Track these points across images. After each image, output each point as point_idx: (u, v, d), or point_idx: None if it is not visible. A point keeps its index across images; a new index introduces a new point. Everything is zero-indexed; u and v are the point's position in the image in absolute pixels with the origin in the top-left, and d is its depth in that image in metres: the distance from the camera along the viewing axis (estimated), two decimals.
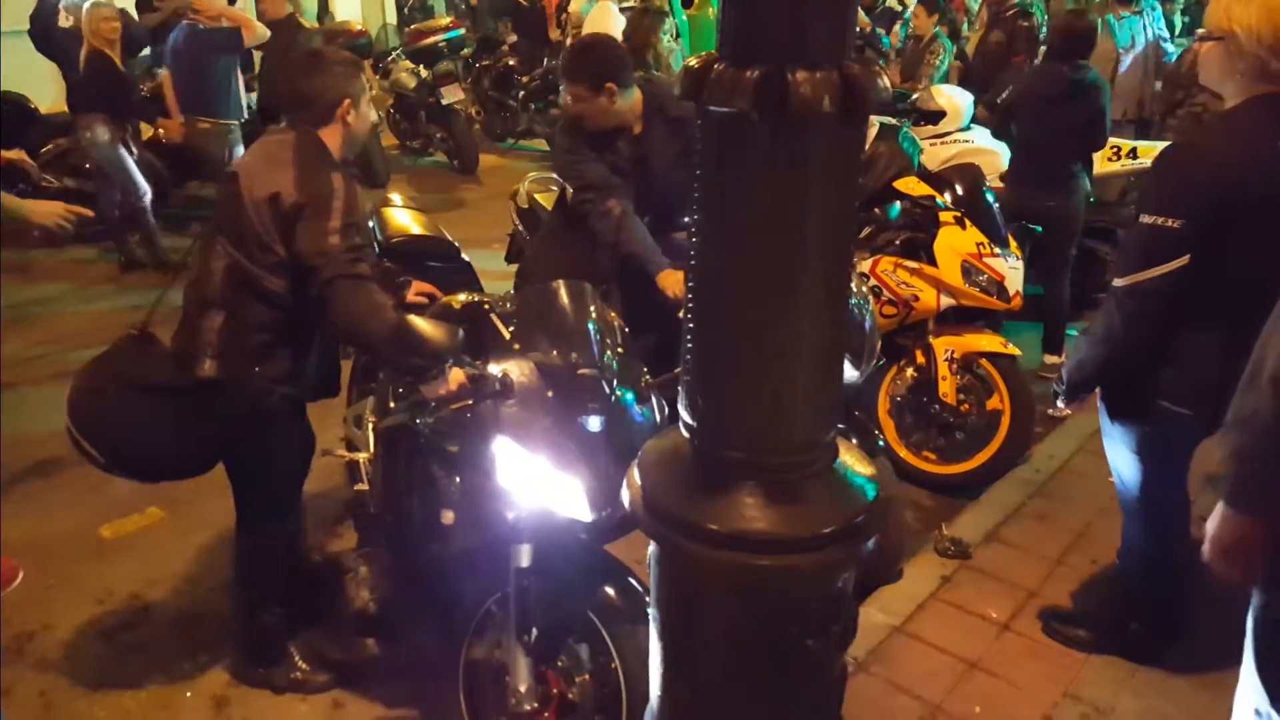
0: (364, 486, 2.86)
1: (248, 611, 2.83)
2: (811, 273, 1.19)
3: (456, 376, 2.09)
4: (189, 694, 2.87)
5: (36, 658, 3.03)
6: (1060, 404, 2.69)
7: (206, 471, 2.71)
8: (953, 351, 3.84)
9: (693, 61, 1.17)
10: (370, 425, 2.82)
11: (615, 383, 2.11)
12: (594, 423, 2.01)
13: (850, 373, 2.83)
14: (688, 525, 1.30)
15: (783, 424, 1.27)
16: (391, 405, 2.65)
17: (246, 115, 6.45)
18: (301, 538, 3.08)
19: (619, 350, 2.23)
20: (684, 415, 1.34)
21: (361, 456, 2.87)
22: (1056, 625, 2.98)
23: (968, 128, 5.76)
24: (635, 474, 1.39)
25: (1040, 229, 4.56)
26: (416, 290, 3.03)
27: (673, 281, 3.07)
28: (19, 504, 3.72)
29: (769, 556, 1.28)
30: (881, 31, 8.35)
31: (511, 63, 10.26)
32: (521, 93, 10.04)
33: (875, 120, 4.28)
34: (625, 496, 1.38)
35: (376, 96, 9.25)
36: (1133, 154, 5.42)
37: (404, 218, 3.67)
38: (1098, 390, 2.64)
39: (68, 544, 3.57)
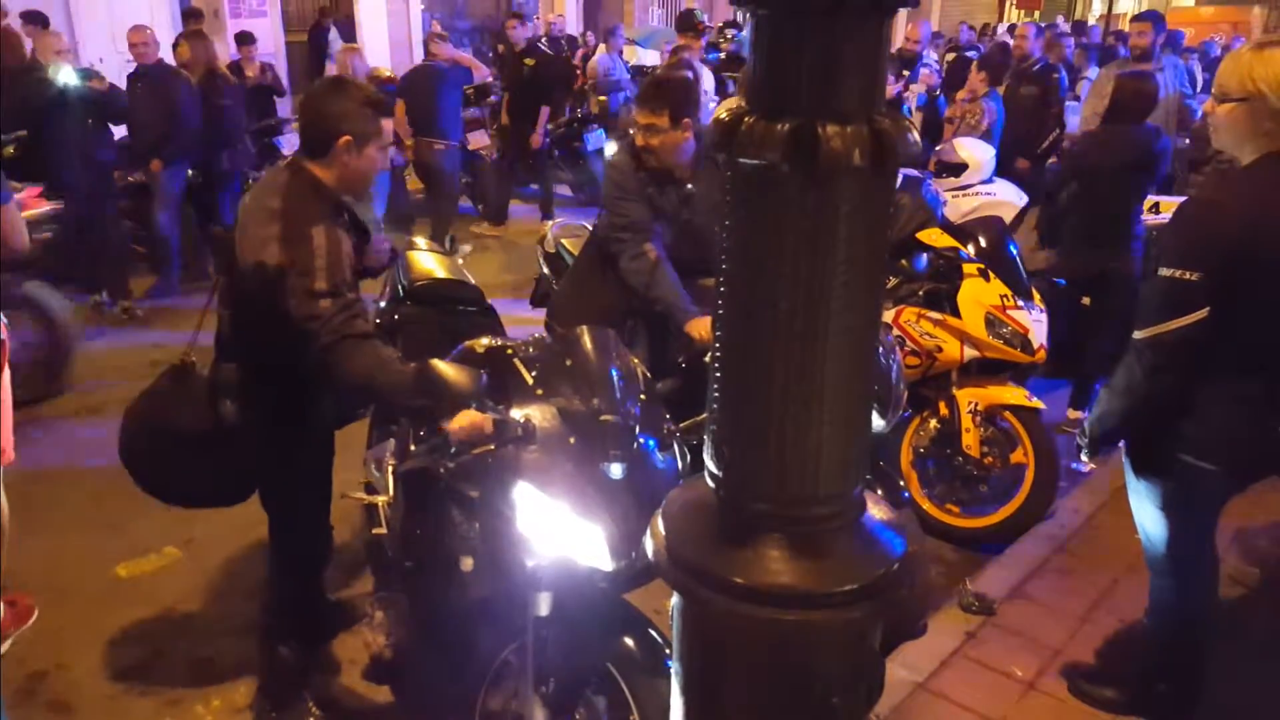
0: (382, 530, 2.84)
1: (269, 642, 2.83)
2: (839, 325, 1.18)
3: (478, 416, 2.08)
4: None
5: (48, 698, 3.01)
6: (1084, 458, 2.67)
7: (241, 501, 2.82)
8: (976, 404, 3.81)
9: (722, 114, 1.17)
10: (390, 468, 2.81)
11: (637, 430, 2.10)
12: (616, 470, 2.00)
13: (876, 423, 2.81)
14: (711, 577, 1.28)
15: (809, 476, 1.25)
16: (412, 448, 2.65)
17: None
18: (324, 578, 3.07)
19: (641, 397, 2.22)
20: (709, 465, 1.33)
21: (380, 500, 2.87)
22: (1083, 685, 2.91)
23: (989, 180, 5.77)
24: (659, 523, 1.38)
25: (1089, 299, 4.53)
26: None
27: (700, 327, 3.07)
28: (37, 540, 3.72)
29: (794, 611, 1.25)
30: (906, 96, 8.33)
31: None
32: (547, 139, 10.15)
33: (898, 172, 4.29)
34: (649, 546, 1.37)
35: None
36: (1155, 209, 5.41)
37: (428, 261, 3.70)
38: (1123, 445, 2.61)
39: (84, 583, 3.57)
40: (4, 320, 3.07)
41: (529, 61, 8.52)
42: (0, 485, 3.22)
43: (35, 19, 7.02)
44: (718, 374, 1.28)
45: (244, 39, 8.98)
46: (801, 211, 1.12)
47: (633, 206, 3.21)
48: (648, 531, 1.38)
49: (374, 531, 2.89)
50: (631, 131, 3.29)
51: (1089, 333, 4.64)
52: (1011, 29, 13.18)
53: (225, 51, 10.31)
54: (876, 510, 1.39)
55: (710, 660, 1.37)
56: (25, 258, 3.42)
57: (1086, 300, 4.57)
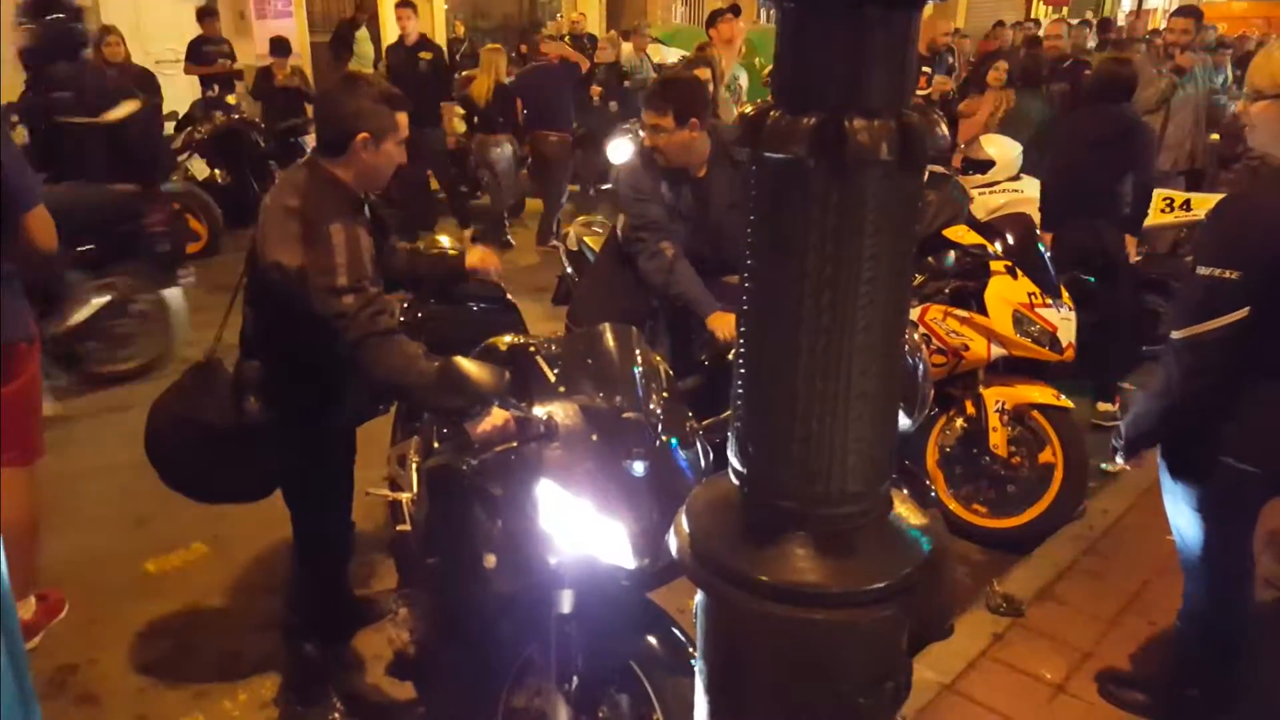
0: (406, 527, 2.85)
1: (293, 639, 2.85)
2: (865, 320, 1.17)
3: (500, 414, 2.08)
4: None
5: (78, 692, 3.04)
6: (1119, 460, 2.63)
7: (265, 497, 2.81)
8: (1004, 403, 3.77)
9: (749, 108, 1.16)
10: (414, 465, 2.82)
11: (660, 427, 2.09)
12: (638, 468, 1.99)
13: (903, 421, 2.78)
14: (737, 575, 1.27)
15: (835, 474, 1.24)
16: (436, 445, 2.66)
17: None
18: (348, 574, 3.09)
19: (664, 395, 2.21)
20: (734, 462, 1.32)
21: (405, 497, 2.87)
22: (1112, 688, 2.88)
23: (1017, 177, 5.72)
24: (683, 521, 1.37)
25: (1094, 279, 4.50)
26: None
27: (723, 323, 3.06)
28: (67, 536, 3.76)
29: (820, 610, 1.24)
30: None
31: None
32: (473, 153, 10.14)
33: (925, 169, 4.26)
34: (673, 544, 1.36)
35: None
36: (1185, 206, 5.34)
37: (441, 241, 3.69)
38: (1158, 446, 2.57)
39: (113, 578, 3.60)
40: (33, 317, 3.11)
41: (425, 55, 8.38)
42: (33, 482, 3.25)
43: None
44: (742, 370, 1.27)
45: (279, 47, 9.05)
46: (827, 206, 1.11)
47: (649, 206, 3.21)
48: (671, 529, 1.37)
49: (398, 528, 2.89)
50: (641, 133, 3.29)
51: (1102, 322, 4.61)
52: (1017, 25, 13.05)
53: (253, 51, 10.40)
54: (903, 509, 1.37)
55: (735, 659, 1.36)
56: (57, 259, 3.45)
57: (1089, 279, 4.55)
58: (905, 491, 2.78)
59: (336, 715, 2.84)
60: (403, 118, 2.49)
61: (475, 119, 8.30)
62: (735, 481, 1.33)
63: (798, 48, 1.11)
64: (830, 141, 1.06)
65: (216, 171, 7.89)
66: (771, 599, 1.25)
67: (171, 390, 2.76)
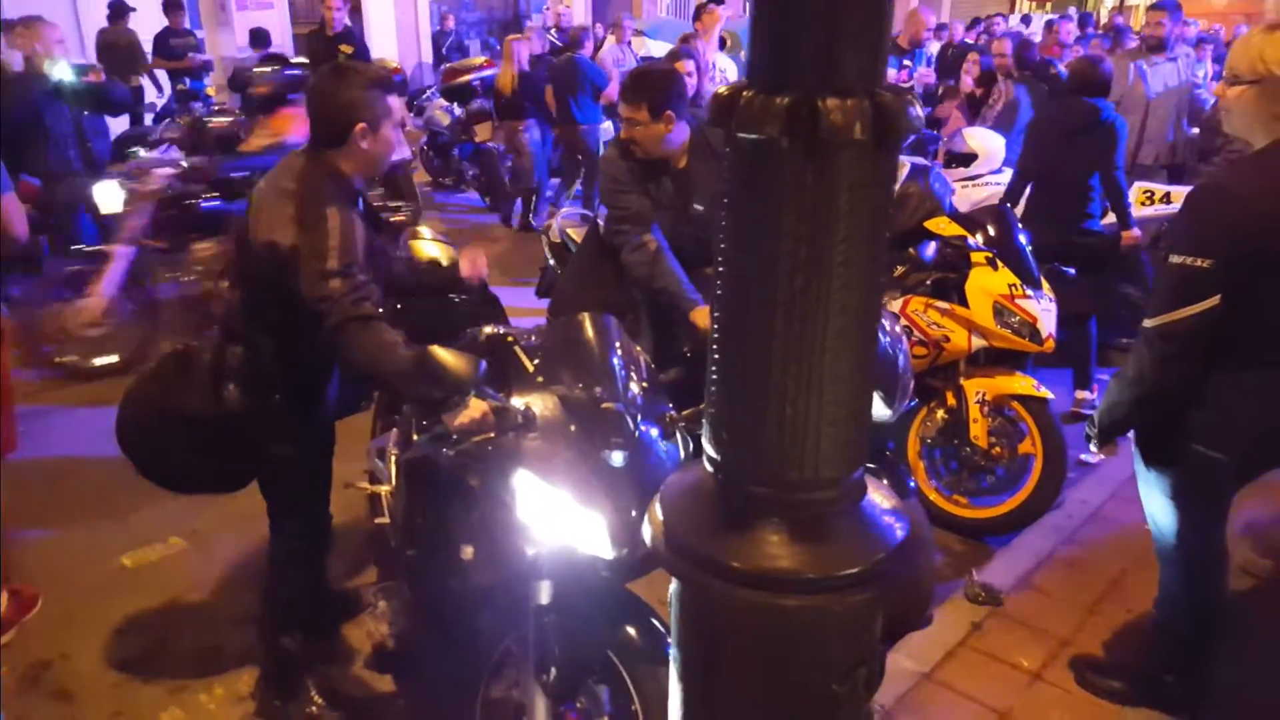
0: (385, 520, 2.84)
1: (270, 633, 2.83)
2: (840, 304, 1.16)
3: (478, 405, 2.07)
4: None
5: (53, 688, 3.01)
6: (1093, 448, 2.64)
7: (241, 488, 2.77)
8: (984, 394, 3.78)
9: (722, 89, 1.15)
10: (393, 457, 2.81)
11: (639, 417, 2.08)
12: (617, 458, 1.98)
13: (883, 411, 2.79)
14: (709, 562, 1.26)
15: (809, 459, 1.23)
16: (415, 438, 2.64)
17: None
18: (326, 566, 3.07)
19: (644, 385, 2.20)
20: (707, 448, 1.31)
21: (384, 490, 2.86)
22: (1090, 676, 2.89)
23: (1000, 170, 5.73)
24: (657, 508, 1.36)
25: (1073, 271, 4.52)
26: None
27: (705, 317, 3.05)
28: (41, 530, 3.73)
29: (793, 596, 1.24)
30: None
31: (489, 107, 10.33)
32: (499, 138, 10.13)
33: (905, 160, 4.27)
34: (647, 531, 1.35)
35: (410, 134, 9.39)
36: (1166, 199, 5.37)
37: (432, 250, 3.68)
38: (1132, 434, 2.58)
39: (88, 572, 3.56)
40: (4, 307, 3.08)
41: (345, 49, 8.25)
42: (1, 477, 3.21)
43: None
44: (716, 355, 1.26)
45: (257, 39, 8.97)
46: (801, 187, 1.10)
47: (630, 198, 3.20)
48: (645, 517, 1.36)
49: (376, 521, 2.88)
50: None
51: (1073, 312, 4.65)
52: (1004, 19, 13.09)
53: (233, 43, 10.32)
54: (877, 495, 1.37)
55: (708, 645, 1.35)
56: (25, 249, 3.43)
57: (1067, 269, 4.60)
58: (884, 481, 2.79)
59: (314, 709, 2.81)
60: (396, 101, 2.49)
61: (501, 107, 8.59)
62: (709, 467, 1.32)
63: (771, 27, 1.10)
64: (803, 121, 1.06)
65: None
66: (744, 585, 1.24)
67: (146, 377, 2.70)
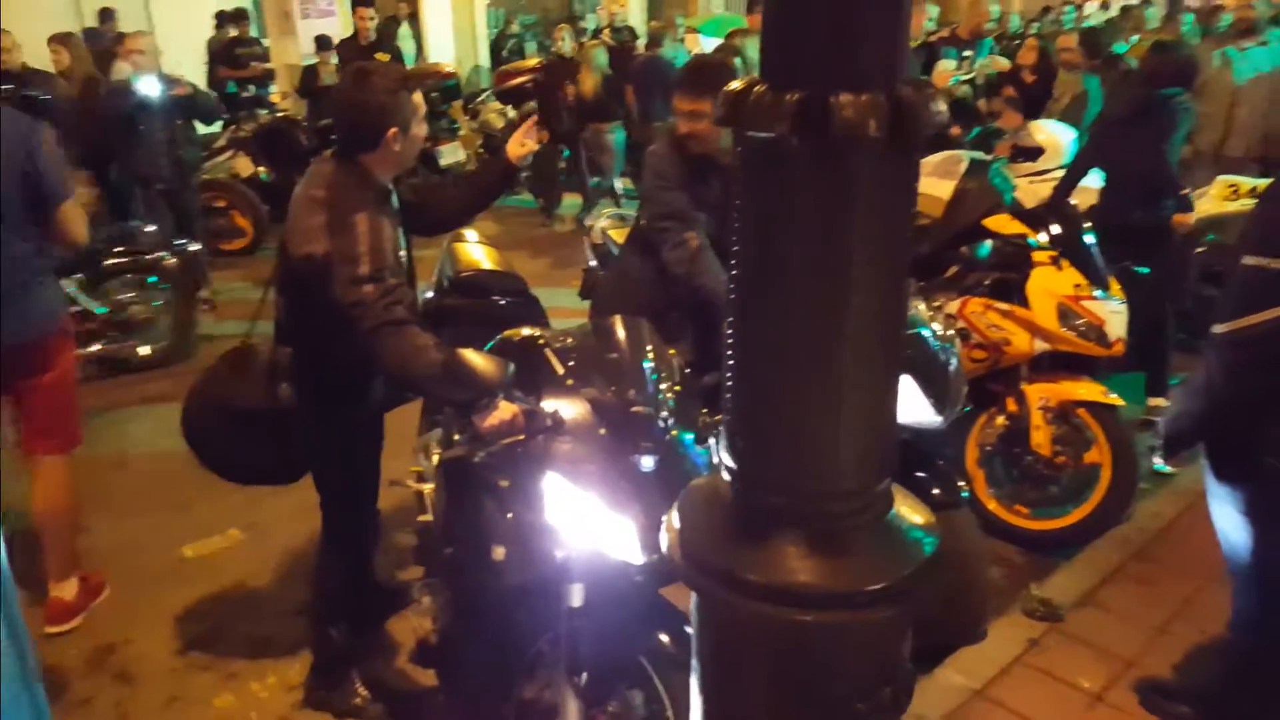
0: (428, 517, 2.86)
1: (319, 624, 2.89)
2: (859, 309, 1.11)
3: (507, 408, 2.06)
4: (254, 714, 2.92)
5: (115, 669, 3.13)
6: (1158, 460, 2.51)
7: (296, 480, 2.85)
8: (1047, 400, 3.63)
9: (735, 85, 1.11)
10: (435, 456, 2.82)
11: (670, 421, 2.04)
12: (647, 462, 1.95)
13: (933, 419, 2.70)
14: (726, 575, 1.22)
15: (828, 469, 1.18)
16: (456, 437, 2.65)
17: None
18: (373, 560, 3.13)
19: (676, 388, 2.16)
20: (724, 457, 1.27)
21: (427, 488, 2.88)
22: (1157, 699, 2.75)
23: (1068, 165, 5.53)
24: (674, 518, 1.32)
25: (1147, 270, 4.33)
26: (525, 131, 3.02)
27: None
28: (108, 522, 3.86)
29: (812, 612, 1.19)
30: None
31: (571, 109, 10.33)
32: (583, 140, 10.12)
33: (965, 155, 4.14)
34: (664, 541, 1.32)
35: (465, 136, 9.49)
36: (1253, 193, 5.10)
37: (476, 252, 3.70)
38: (1203, 445, 2.45)
39: (152, 561, 3.69)
40: (70, 311, 3.20)
41: (382, 57, 8.22)
42: (71, 470, 3.33)
43: None
44: (731, 361, 1.22)
45: (323, 46, 9.19)
46: (813, 188, 1.05)
47: (674, 195, 3.15)
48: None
49: (420, 518, 2.90)
50: (673, 120, 3.22)
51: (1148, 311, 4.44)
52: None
53: (298, 50, 10.56)
54: (905, 507, 1.31)
55: (727, 661, 1.32)
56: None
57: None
58: (935, 490, 2.70)
59: (359, 700, 2.85)
60: (418, 95, 2.52)
61: (584, 109, 8.68)
62: (726, 477, 1.28)
63: (783, 18, 1.06)
64: (814, 119, 1.01)
65: (260, 169, 8.02)
66: (762, 599, 1.20)
67: (208, 374, 2.82)
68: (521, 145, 3.00)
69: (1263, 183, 5.11)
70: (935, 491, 2.70)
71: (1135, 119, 4.46)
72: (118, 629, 3.30)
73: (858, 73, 1.02)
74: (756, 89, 1.06)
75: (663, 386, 2.11)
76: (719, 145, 3.14)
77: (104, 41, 7.46)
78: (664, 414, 2.03)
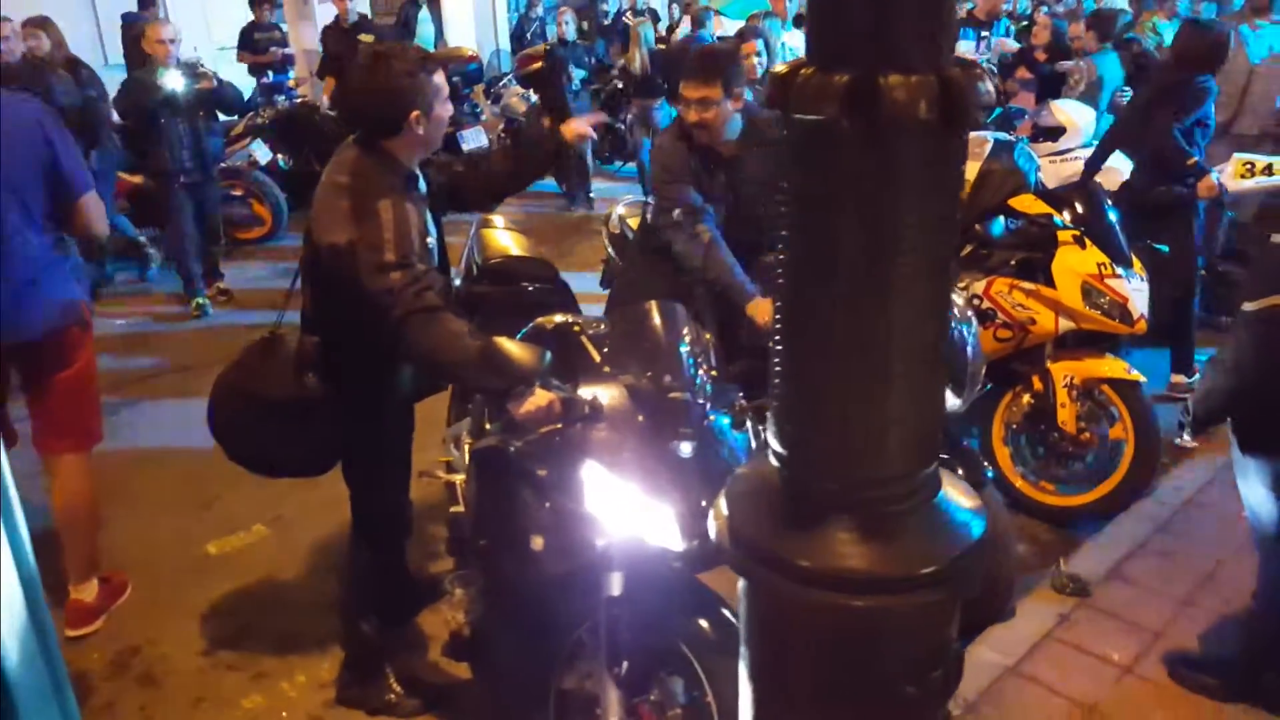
0: (460, 508, 2.85)
1: (350, 619, 2.87)
2: (907, 293, 1.10)
3: (544, 396, 2.05)
4: (284, 714, 2.91)
5: (139, 672, 3.10)
6: (1186, 436, 2.51)
7: (325, 471, 2.81)
8: (1072, 377, 3.63)
9: (780, 68, 1.10)
10: (466, 446, 2.82)
11: (708, 407, 2.04)
12: (685, 448, 1.94)
13: (951, 401, 2.68)
14: (777, 561, 1.22)
15: (878, 454, 1.18)
16: (487, 426, 2.65)
17: None
18: (405, 553, 3.10)
19: (713, 373, 2.16)
20: (772, 444, 1.27)
21: (458, 478, 2.87)
22: (1184, 671, 2.76)
23: (1089, 144, 5.49)
24: (722, 505, 1.32)
25: (1165, 248, 4.31)
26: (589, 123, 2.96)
27: (762, 310, 2.99)
28: (130, 519, 3.84)
29: (864, 597, 1.19)
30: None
31: (620, 86, 10.22)
32: (629, 116, 10.06)
33: (989, 136, 4.11)
34: (712, 528, 1.32)
35: (488, 121, 9.45)
36: (1268, 170, 5.06)
37: (504, 239, 3.69)
38: (1229, 420, 2.45)
39: (175, 559, 3.67)
40: (93, 305, 3.18)
41: (366, 38, 8.10)
42: (90, 467, 3.30)
43: None
44: (779, 348, 1.22)
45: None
46: (862, 171, 1.05)
47: (680, 188, 3.14)
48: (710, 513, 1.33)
49: (452, 509, 2.90)
50: (680, 109, 3.21)
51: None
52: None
53: (315, 37, 10.50)
54: (953, 490, 1.31)
55: (777, 647, 1.31)
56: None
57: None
58: (958, 471, 2.68)
59: (393, 696, 2.85)
60: (440, 76, 2.48)
61: (636, 86, 8.84)
62: (775, 463, 1.28)
63: (830, 1, 1.05)
64: (864, 101, 1.00)
65: (279, 156, 7.98)
66: (812, 585, 1.19)
67: (235, 365, 2.77)
68: (579, 129, 2.92)
69: (1278, 160, 5.08)
70: (960, 472, 2.68)
71: (1157, 97, 4.44)
72: (141, 630, 3.26)
73: (906, 53, 1.01)
74: (804, 71, 1.05)
75: (699, 372, 2.11)
76: (724, 136, 3.13)
77: (138, 28, 7.42)
78: (701, 399, 2.03)
